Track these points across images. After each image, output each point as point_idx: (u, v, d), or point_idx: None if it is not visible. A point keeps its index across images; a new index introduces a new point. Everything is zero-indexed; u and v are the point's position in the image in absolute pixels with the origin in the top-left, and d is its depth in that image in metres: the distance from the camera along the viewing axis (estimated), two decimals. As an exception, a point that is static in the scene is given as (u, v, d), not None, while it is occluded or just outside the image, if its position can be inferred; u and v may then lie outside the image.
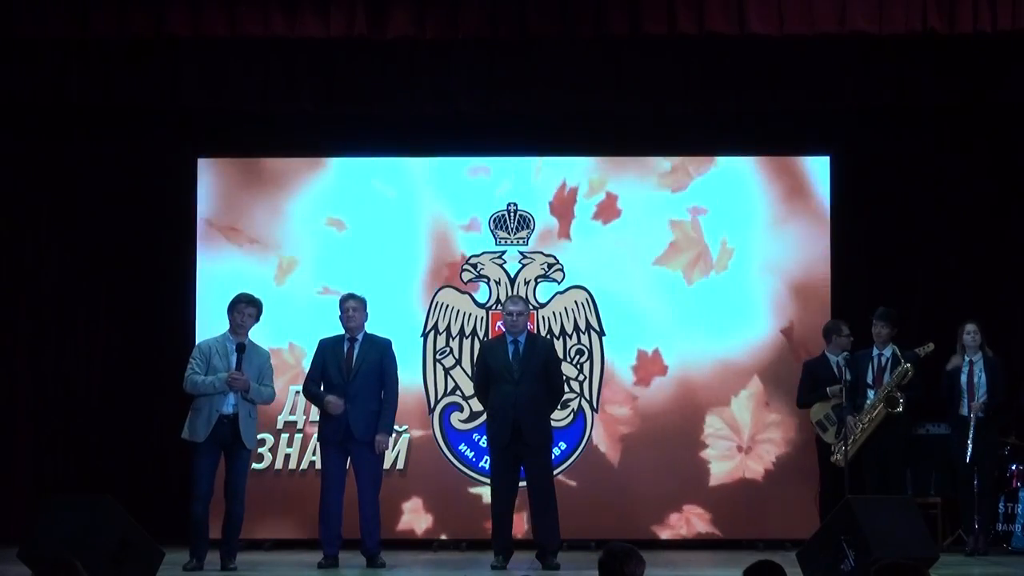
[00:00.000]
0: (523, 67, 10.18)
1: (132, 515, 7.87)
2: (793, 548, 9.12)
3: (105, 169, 11.25)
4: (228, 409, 8.79)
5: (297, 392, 10.32)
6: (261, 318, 9.06)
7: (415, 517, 10.54)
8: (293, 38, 9.59)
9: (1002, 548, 10.13)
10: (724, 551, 10.15)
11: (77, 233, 11.25)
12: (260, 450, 10.25)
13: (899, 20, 9.34)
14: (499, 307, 10.26)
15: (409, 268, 10.72)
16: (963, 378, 9.94)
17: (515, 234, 10.71)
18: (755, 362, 10.57)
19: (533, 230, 10.70)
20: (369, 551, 9.12)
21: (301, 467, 10.58)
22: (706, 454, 10.56)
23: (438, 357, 10.66)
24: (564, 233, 10.70)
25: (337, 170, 10.88)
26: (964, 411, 9.91)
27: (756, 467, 10.54)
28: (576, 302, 10.67)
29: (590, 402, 10.60)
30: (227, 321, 8.98)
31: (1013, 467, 10.38)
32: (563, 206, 10.71)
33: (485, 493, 9.51)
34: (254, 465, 9.84)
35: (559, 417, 10.16)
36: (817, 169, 10.71)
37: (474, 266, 10.70)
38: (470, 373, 10.30)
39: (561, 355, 10.31)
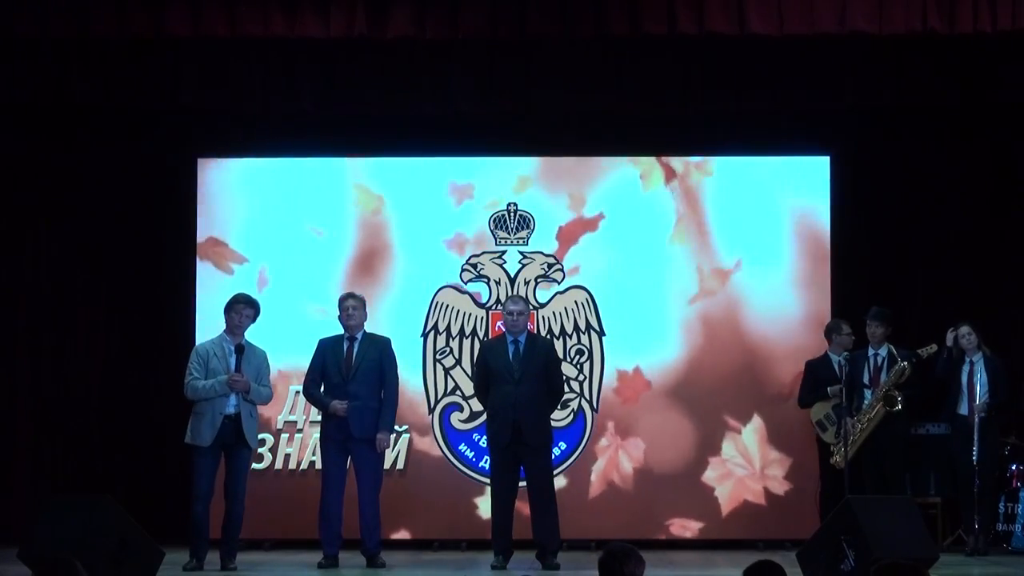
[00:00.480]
0: (523, 67, 10.17)
1: (132, 515, 7.88)
2: (793, 548, 9.13)
3: (105, 169, 11.25)
4: (230, 409, 8.80)
5: (297, 392, 10.32)
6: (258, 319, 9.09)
7: (415, 517, 10.54)
8: (293, 38, 9.58)
9: (1002, 548, 10.13)
10: (724, 551, 10.15)
11: (77, 233, 11.24)
12: (260, 450, 10.25)
13: (899, 20, 9.34)
14: (499, 307, 10.26)
15: (409, 268, 10.72)
16: (963, 378, 9.94)
17: (515, 234, 10.71)
18: (755, 361, 10.57)
19: (533, 230, 10.70)
20: (369, 551, 9.12)
21: (301, 467, 10.58)
22: (706, 454, 10.55)
23: (438, 357, 10.66)
24: (564, 233, 10.71)
25: (336, 170, 10.88)
26: (963, 411, 9.92)
27: (756, 466, 10.54)
28: (576, 302, 10.67)
29: (590, 402, 10.60)
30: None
31: (1013, 467, 10.38)
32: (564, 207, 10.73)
33: (485, 493, 9.50)
34: (254, 465, 9.84)
35: (559, 417, 10.16)
36: (817, 169, 10.71)
37: (474, 266, 10.70)
38: (470, 373, 10.30)
39: (561, 355, 10.31)
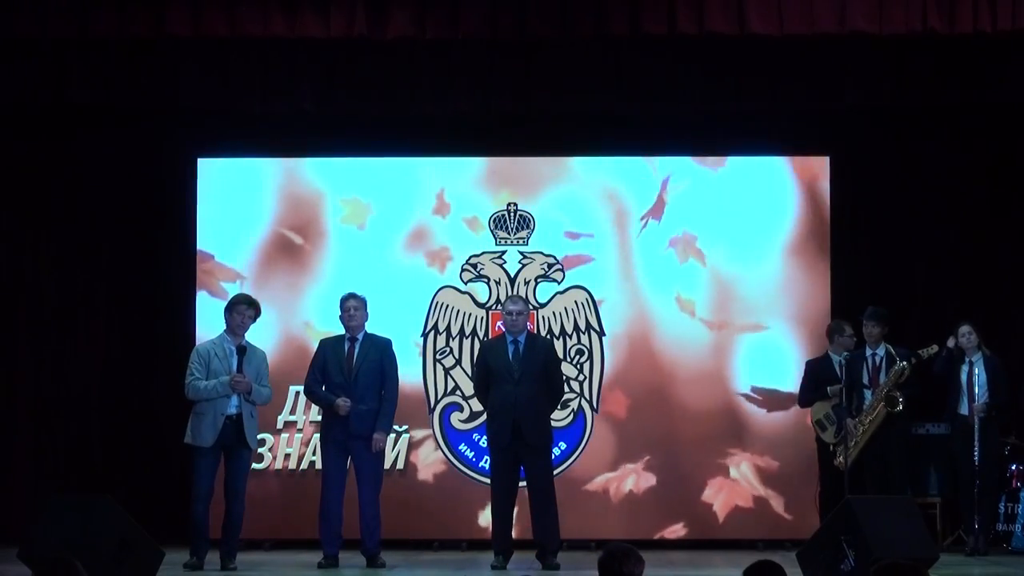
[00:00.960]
0: (523, 67, 10.17)
1: (132, 515, 7.87)
2: (793, 548, 9.12)
3: (105, 169, 11.25)
4: (232, 410, 8.80)
5: (297, 392, 10.32)
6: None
7: (415, 517, 10.54)
8: (293, 38, 9.59)
9: (1002, 548, 10.13)
10: (724, 551, 10.15)
11: (77, 233, 11.24)
12: (260, 450, 10.24)
13: (899, 20, 9.34)
14: (499, 307, 10.26)
15: (409, 268, 10.72)
16: (963, 378, 9.94)
17: (515, 234, 10.71)
18: (754, 359, 10.57)
19: (533, 230, 10.70)
20: (369, 551, 9.12)
21: (301, 467, 10.57)
22: (706, 454, 10.55)
23: (438, 357, 10.66)
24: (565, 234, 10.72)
25: (336, 170, 10.88)
26: (963, 411, 9.92)
27: (756, 467, 10.54)
28: (576, 302, 10.66)
29: (590, 402, 10.60)
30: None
31: (1013, 467, 10.38)
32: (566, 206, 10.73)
33: (485, 493, 9.50)
34: (254, 465, 9.84)
35: (559, 417, 10.16)
36: (817, 169, 10.71)
37: (474, 266, 10.70)
38: (470, 373, 10.30)
39: (561, 355, 10.30)
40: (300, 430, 10.59)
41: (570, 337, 10.63)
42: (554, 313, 10.66)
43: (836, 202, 10.72)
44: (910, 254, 11.13)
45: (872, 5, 9.35)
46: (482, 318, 10.67)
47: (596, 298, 10.62)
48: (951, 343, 9.95)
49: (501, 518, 9.07)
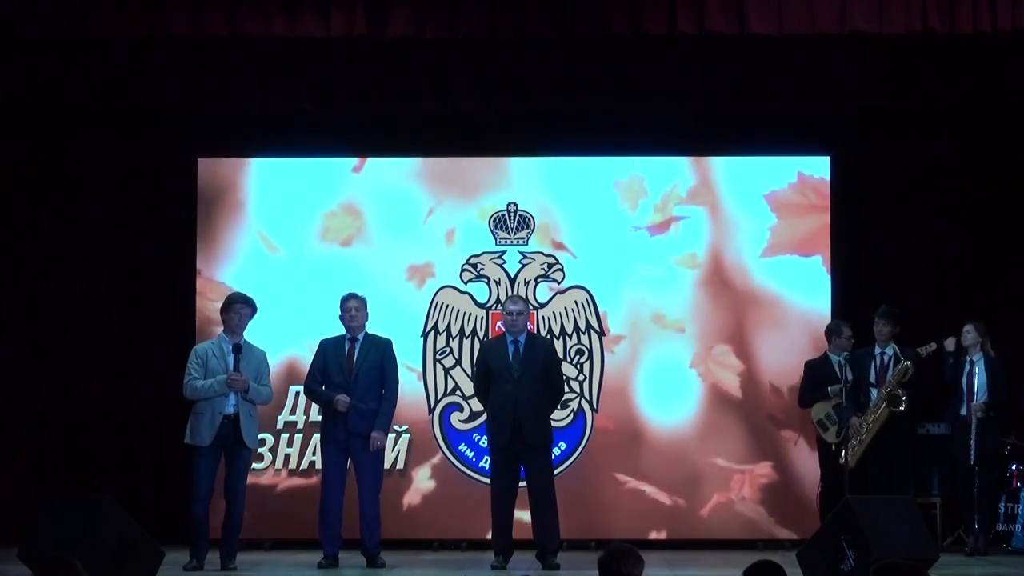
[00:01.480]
0: (523, 67, 10.18)
1: (132, 515, 7.87)
2: (793, 548, 9.13)
3: (105, 169, 11.24)
4: (229, 409, 8.80)
5: (298, 392, 10.33)
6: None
7: (415, 517, 10.54)
8: (293, 38, 9.59)
9: (1002, 548, 10.13)
10: (724, 551, 10.15)
11: (77, 233, 11.24)
12: (260, 450, 10.24)
13: (899, 20, 9.34)
14: (499, 307, 10.26)
15: (409, 268, 10.72)
16: (963, 378, 9.94)
17: (515, 234, 10.71)
18: (753, 358, 10.57)
19: (533, 230, 10.70)
20: (369, 551, 9.12)
21: (301, 467, 10.58)
22: (706, 454, 10.55)
23: (438, 357, 10.66)
24: (564, 233, 10.71)
25: (335, 170, 10.88)
26: (963, 411, 9.92)
27: (756, 467, 10.54)
28: (576, 302, 10.67)
29: (590, 402, 10.60)
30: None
31: (1013, 467, 10.38)
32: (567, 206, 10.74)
33: (485, 493, 9.50)
34: (254, 465, 9.85)
35: (559, 417, 10.16)
36: (817, 169, 10.71)
37: (474, 266, 10.70)
38: (470, 373, 10.30)
39: (561, 355, 10.30)
40: (300, 430, 10.59)
41: (570, 337, 10.63)
42: (554, 313, 10.66)
43: (836, 201, 10.71)
44: (910, 254, 11.13)
45: (872, 5, 9.35)
46: (482, 318, 10.67)
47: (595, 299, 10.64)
48: (950, 344, 9.94)
49: (501, 518, 9.07)
